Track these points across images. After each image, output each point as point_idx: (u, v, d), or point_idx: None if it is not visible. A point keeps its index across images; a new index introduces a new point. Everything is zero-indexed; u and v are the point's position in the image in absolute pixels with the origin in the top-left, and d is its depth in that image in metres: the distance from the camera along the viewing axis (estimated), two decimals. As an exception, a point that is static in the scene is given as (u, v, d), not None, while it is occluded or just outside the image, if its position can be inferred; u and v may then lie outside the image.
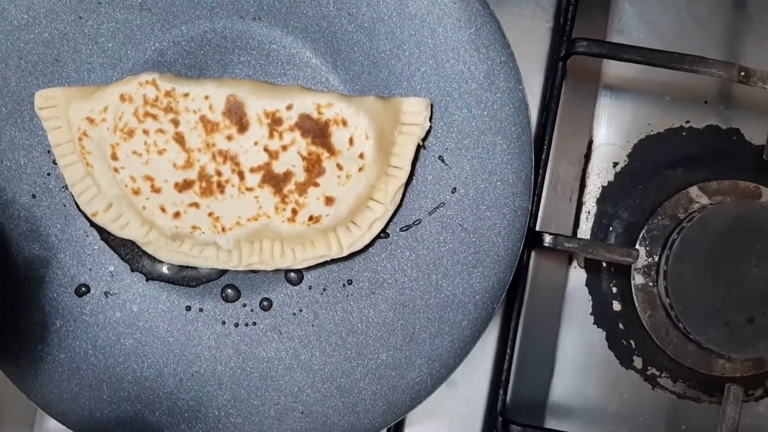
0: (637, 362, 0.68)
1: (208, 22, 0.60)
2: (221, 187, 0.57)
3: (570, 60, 0.64)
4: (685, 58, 0.61)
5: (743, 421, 0.61)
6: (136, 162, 0.57)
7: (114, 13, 0.60)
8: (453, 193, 0.59)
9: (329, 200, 0.57)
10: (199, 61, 0.60)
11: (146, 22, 0.60)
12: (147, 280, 0.60)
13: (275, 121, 0.57)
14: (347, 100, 0.57)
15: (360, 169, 0.57)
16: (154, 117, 0.56)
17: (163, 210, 0.57)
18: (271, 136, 0.57)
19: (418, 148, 0.59)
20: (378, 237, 0.60)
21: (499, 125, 0.59)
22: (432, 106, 0.59)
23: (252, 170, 0.57)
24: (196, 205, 0.57)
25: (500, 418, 0.63)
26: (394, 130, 0.58)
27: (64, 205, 0.60)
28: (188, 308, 0.60)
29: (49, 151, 0.60)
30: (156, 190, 0.57)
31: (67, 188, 0.59)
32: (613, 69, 0.68)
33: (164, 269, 0.61)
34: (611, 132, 0.68)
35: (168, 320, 0.60)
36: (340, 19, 0.60)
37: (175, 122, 0.57)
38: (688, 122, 0.69)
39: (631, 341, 0.68)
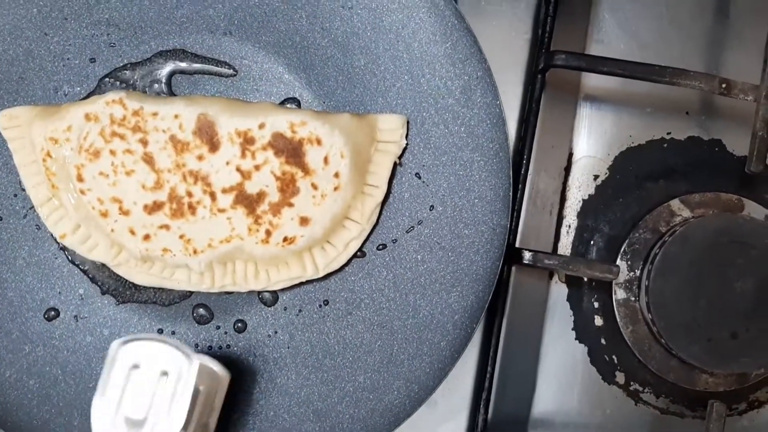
0: (620, 377, 0.67)
1: (177, 37, 0.59)
2: (192, 208, 0.56)
3: (549, 72, 0.63)
4: (665, 70, 0.60)
5: (727, 436, 0.60)
6: (103, 183, 0.55)
7: (80, 29, 0.58)
8: (430, 210, 0.58)
9: (304, 221, 0.56)
10: (168, 77, 0.59)
11: (114, 38, 0.59)
12: (117, 304, 0.59)
13: (247, 141, 0.55)
14: (321, 118, 0.56)
15: (335, 189, 0.56)
16: (122, 137, 0.55)
17: (132, 233, 0.56)
18: (243, 155, 0.55)
19: (395, 165, 0.58)
20: (354, 256, 0.58)
21: (477, 141, 0.58)
22: (408, 122, 0.58)
23: (224, 191, 0.56)
24: (166, 227, 0.56)
25: (481, 438, 0.62)
26: (370, 148, 0.57)
27: (33, 227, 0.59)
28: (160, 331, 0.59)
29: (14, 172, 0.58)
30: (124, 213, 0.56)
31: (34, 209, 0.58)
32: (593, 80, 0.67)
33: (135, 291, 0.59)
34: (592, 144, 0.67)
35: (140, 344, 0.59)
36: (313, 33, 0.58)
37: (144, 142, 0.55)
38: (669, 134, 0.68)
39: (614, 356, 0.67)
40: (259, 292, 0.59)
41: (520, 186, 0.62)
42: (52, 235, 0.58)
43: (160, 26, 0.59)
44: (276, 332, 0.59)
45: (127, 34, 0.58)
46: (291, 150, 0.55)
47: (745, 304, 0.61)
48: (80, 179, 0.55)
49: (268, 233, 0.56)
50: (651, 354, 0.66)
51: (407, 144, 0.58)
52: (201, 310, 0.59)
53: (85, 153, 0.55)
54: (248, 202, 0.56)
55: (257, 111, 0.56)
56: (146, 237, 0.56)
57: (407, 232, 0.58)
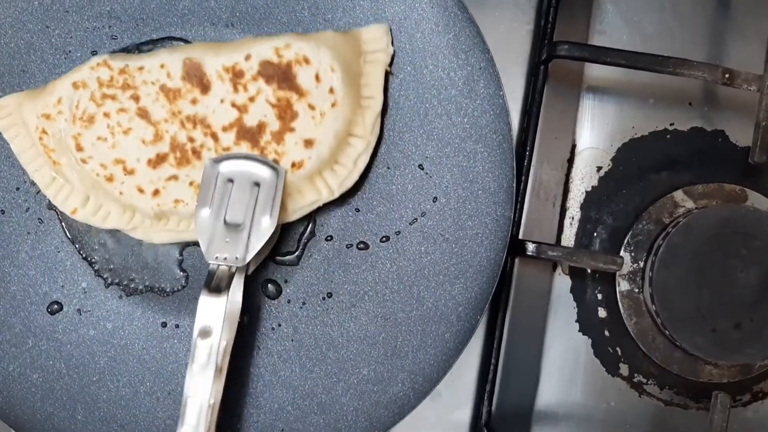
0: (624, 369, 0.67)
1: (179, 29, 0.59)
2: (197, 153, 0.55)
3: (552, 63, 0.63)
4: (668, 60, 0.60)
5: (731, 427, 0.60)
6: (103, 148, 0.55)
7: (82, 21, 0.58)
8: (434, 202, 0.58)
9: (308, 143, 0.56)
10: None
11: (115, 30, 0.58)
12: (120, 297, 0.59)
13: (236, 74, 0.55)
14: (305, 38, 0.56)
15: (333, 105, 0.56)
16: (113, 97, 0.55)
17: (141, 191, 0.56)
18: (235, 90, 0.55)
19: (388, 75, 0.57)
20: (358, 248, 0.58)
21: (480, 132, 0.57)
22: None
23: (224, 129, 0.55)
24: (174, 177, 0.56)
25: (485, 430, 0.62)
26: (359, 60, 0.57)
27: (35, 221, 0.59)
28: (164, 324, 0.59)
29: (16, 165, 0.58)
30: (129, 172, 0.55)
31: (36, 203, 0.58)
32: (596, 71, 0.67)
33: (138, 283, 0.59)
34: (594, 135, 0.67)
35: (143, 337, 0.59)
36: (315, 25, 0.58)
37: (136, 98, 0.55)
38: (672, 124, 0.67)
39: (617, 348, 0.67)
40: (263, 285, 0.59)
41: (523, 177, 0.62)
42: (54, 228, 0.58)
43: (161, 18, 0.58)
44: (280, 325, 0.58)
45: (129, 26, 0.58)
46: (281, 74, 0.55)
47: (749, 295, 0.61)
48: (79, 149, 0.55)
49: (276, 162, 0.55)
50: (655, 345, 0.66)
51: (395, 52, 0.57)
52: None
53: (80, 121, 0.55)
54: (250, 135, 0.55)
55: (240, 45, 0.56)
56: (156, 192, 0.56)
57: (411, 223, 0.58)
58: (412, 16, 0.57)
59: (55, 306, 0.59)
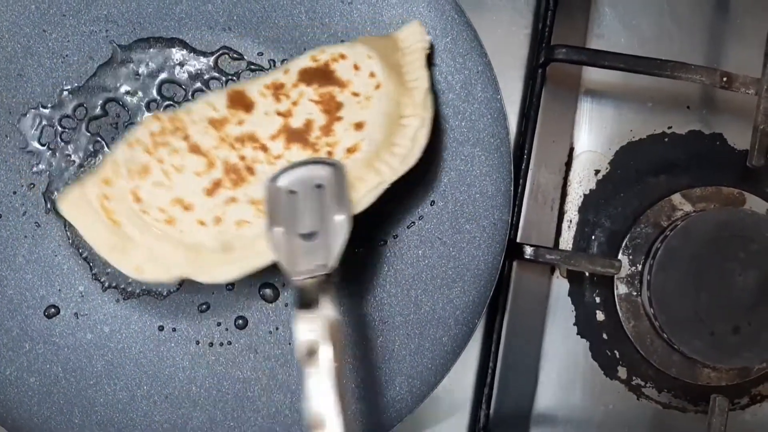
0: (622, 372, 0.67)
1: (176, 33, 0.59)
2: (250, 169, 0.54)
3: (550, 66, 0.63)
4: (666, 64, 0.60)
5: (729, 430, 0.60)
6: (160, 193, 0.54)
7: (79, 25, 0.58)
8: (431, 206, 0.58)
9: (358, 125, 0.55)
10: (168, 73, 0.59)
11: (112, 34, 0.58)
12: (117, 301, 0.59)
13: (277, 88, 0.55)
14: (339, 44, 0.56)
15: (376, 87, 0.55)
16: (165, 144, 0.54)
17: (202, 223, 0.54)
18: (278, 100, 0.55)
19: (429, 60, 0.57)
20: (356, 251, 0.58)
21: (478, 136, 0.57)
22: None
23: (272, 137, 0.55)
24: (233, 200, 0.54)
25: (483, 433, 0.62)
26: (396, 54, 0.56)
27: (32, 225, 0.59)
28: (161, 328, 0.59)
29: (12, 169, 0.58)
30: (188, 208, 0.54)
31: (33, 207, 0.58)
32: (594, 75, 0.67)
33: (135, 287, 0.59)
34: (592, 139, 0.67)
35: (140, 341, 0.58)
36: (312, 29, 0.58)
37: (186, 137, 0.54)
38: (670, 128, 0.67)
39: (615, 351, 0.67)
40: (260, 288, 0.59)
41: (521, 181, 0.62)
42: (51, 232, 0.58)
43: (159, 22, 0.58)
44: (277, 328, 0.58)
45: (126, 30, 0.58)
46: (320, 74, 0.55)
47: (747, 298, 0.61)
48: (137, 200, 0.53)
49: (330, 154, 0.54)
50: (653, 349, 0.66)
51: (433, 44, 0.57)
52: (204, 306, 0.59)
53: (136, 174, 0.54)
54: (298, 135, 0.54)
55: (280, 67, 0.56)
56: (217, 220, 0.54)
57: (408, 227, 0.58)
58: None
59: (52, 310, 0.58)
